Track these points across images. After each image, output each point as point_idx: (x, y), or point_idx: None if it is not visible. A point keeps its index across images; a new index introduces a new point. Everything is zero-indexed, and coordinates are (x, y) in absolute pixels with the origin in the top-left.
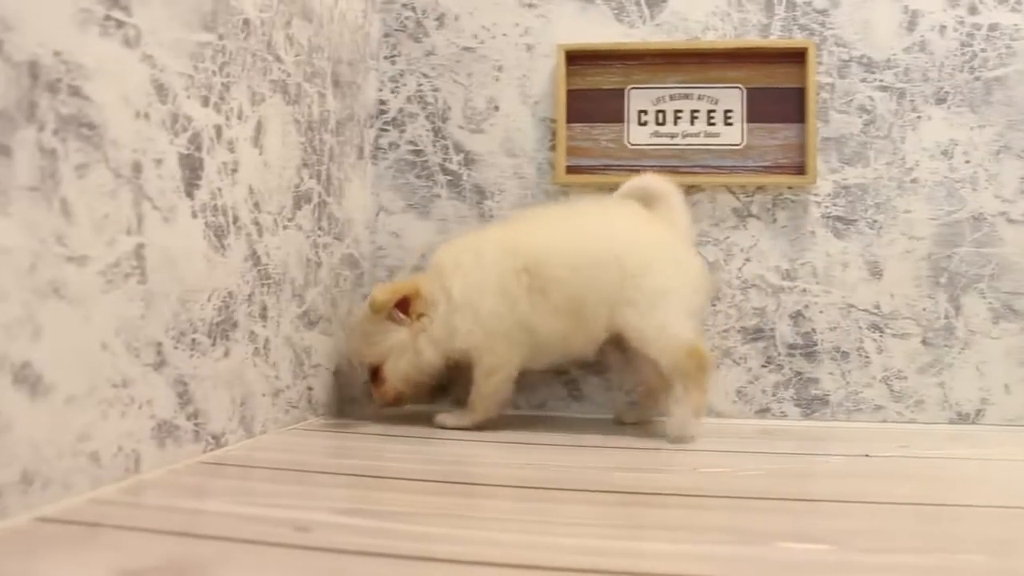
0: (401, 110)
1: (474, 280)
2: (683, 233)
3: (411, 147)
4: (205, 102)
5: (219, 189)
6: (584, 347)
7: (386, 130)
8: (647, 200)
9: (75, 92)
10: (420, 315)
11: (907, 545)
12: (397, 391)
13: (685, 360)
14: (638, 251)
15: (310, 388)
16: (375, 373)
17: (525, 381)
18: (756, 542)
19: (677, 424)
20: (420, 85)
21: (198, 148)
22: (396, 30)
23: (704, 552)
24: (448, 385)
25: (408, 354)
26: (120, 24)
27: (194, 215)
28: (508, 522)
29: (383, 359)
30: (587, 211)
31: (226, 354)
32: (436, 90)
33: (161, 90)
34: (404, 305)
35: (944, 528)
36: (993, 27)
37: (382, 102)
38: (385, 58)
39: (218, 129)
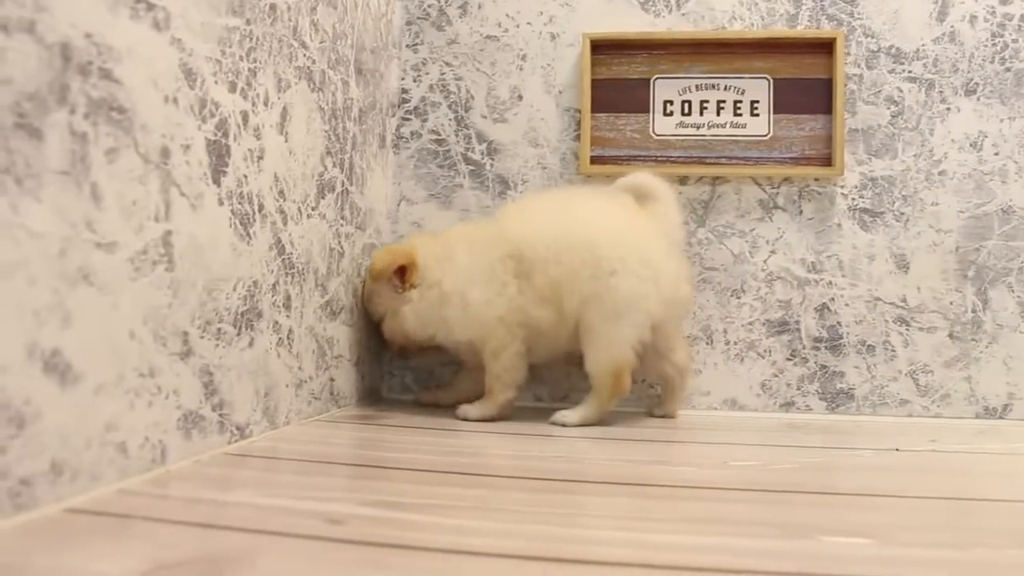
0: (423, 99)
1: (463, 271)
2: (672, 235)
3: (433, 136)
4: (232, 87)
5: (245, 176)
6: (571, 340)
7: (408, 119)
8: (641, 198)
9: (106, 75)
10: (412, 285)
11: (947, 540)
12: (396, 345)
13: (607, 377)
14: (617, 248)
15: (332, 379)
16: (378, 327)
17: (548, 374)
18: (797, 536)
19: (562, 414)
20: (443, 74)
21: (225, 134)
22: (419, 18)
23: (746, 546)
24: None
25: (396, 319)
26: (150, 6)
27: (220, 202)
28: (540, 515)
29: (381, 318)
30: (576, 200)
31: (251, 344)
32: (459, 79)
33: (189, 75)
34: (401, 272)
35: (981, 523)
36: None
37: (404, 91)
38: (407, 46)
39: (244, 115)
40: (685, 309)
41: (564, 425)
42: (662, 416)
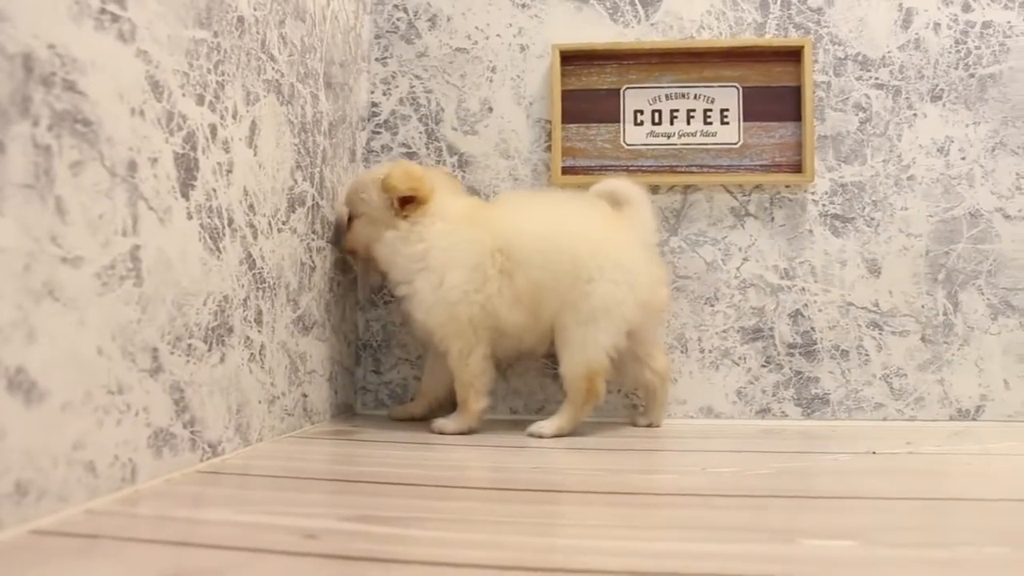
0: (393, 112)
1: (453, 252)
2: (647, 239)
3: (404, 149)
4: (200, 100)
5: (214, 190)
6: (537, 343)
7: (378, 132)
8: (615, 203)
9: (70, 87)
10: (405, 216)
11: (930, 539)
12: (353, 248)
13: (581, 381)
14: (595, 255)
15: (305, 395)
16: (350, 222)
17: (524, 386)
18: (779, 539)
19: (537, 425)
20: (412, 87)
21: (193, 147)
22: (388, 31)
23: (729, 551)
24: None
25: (373, 231)
26: (115, 18)
27: (189, 216)
28: (522, 525)
29: (355, 216)
30: (561, 205)
31: (222, 360)
32: (429, 92)
33: (156, 87)
34: (408, 201)
35: (961, 522)
36: (987, 24)
37: (374, 104)
38: (376, 59)
39: (213, 128)
40: (662, 313)
41: (540, 436)
42: (647, 426)
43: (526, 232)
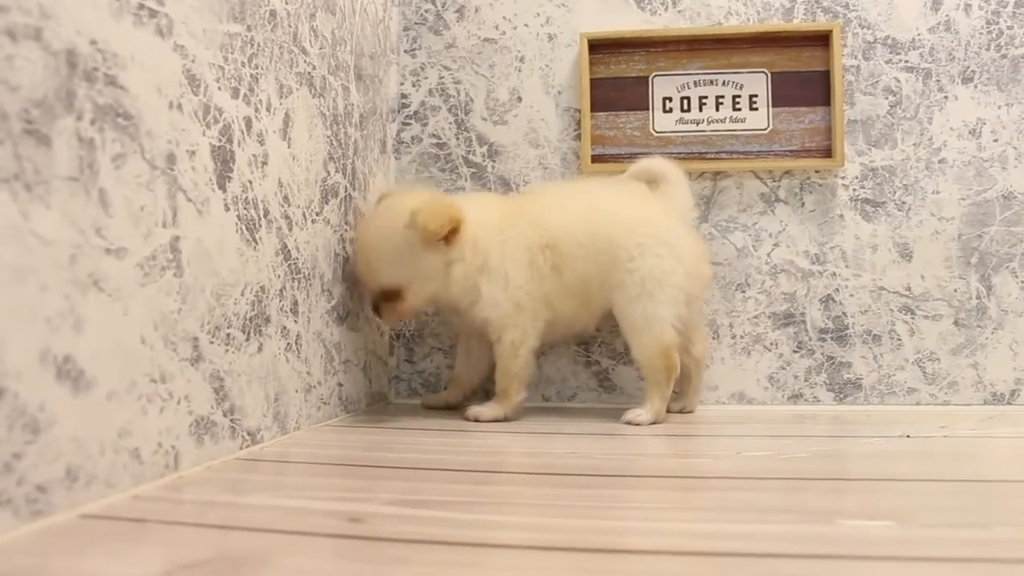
0: (423, 103)
1: (508, 249)
2: (685, 215)
3: (434, 140)
4: (235, 93)
5: (250, 182)
6: (586, 325)
7: (408, 123)
8: (652, 182)
9: (111, 81)
10: (455, 244)
11: (968, 520)
12: (415, 311)
13: (656, 360)
14: (633, 235)
15: (340, 384)
16: (391, 295)
17: (556, 374)
18: (816, 520)
19: (634, 413)
20: (442, 78)
21: (229, 140)
22: (416, 23)
23: (768, 531)
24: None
25: (438, 280)
26: (153, 13)
27: (227, 208)
28: (562, 508)
29: (407, 283)
30: (595, 194)
31: (259, 349)
32: (458, 82)
33: (193, 81)
34: (453, 233)
35: (999, 503)
36: (1020, 4)
37: (404, 96)
38: (405, 51)
39: (248, 121)
40: (706, 290)
41: (639, 424)
42: (680, 411)
43: (566, 225)
